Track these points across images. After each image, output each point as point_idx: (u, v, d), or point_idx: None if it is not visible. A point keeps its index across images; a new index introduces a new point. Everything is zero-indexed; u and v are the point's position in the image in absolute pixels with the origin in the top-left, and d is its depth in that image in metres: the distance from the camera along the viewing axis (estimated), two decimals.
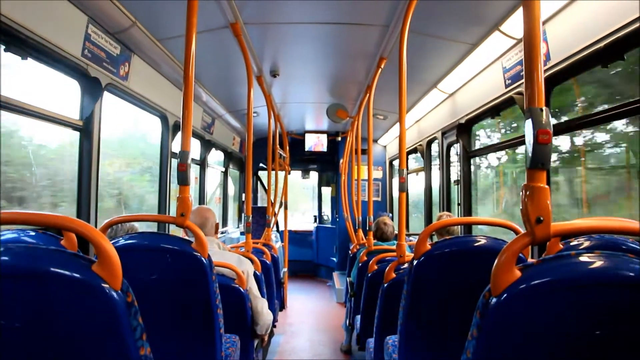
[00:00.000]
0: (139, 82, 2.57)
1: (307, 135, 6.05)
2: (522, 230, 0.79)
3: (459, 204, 3.34)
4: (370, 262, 2.26)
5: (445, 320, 1.36)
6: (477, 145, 3.36)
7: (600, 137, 2.25)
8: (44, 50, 1.77)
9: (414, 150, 4.61)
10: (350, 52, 3.06)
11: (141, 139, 3.66)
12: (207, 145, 4.38)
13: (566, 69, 1.97)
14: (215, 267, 1.48)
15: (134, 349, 0.77)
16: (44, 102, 1.90)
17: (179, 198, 1.45)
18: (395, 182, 5.94)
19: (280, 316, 4.25)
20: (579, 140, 2.34)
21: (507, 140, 2.86)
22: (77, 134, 2.17)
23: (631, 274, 0.67)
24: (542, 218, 0.76)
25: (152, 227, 3.16)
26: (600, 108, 2.04)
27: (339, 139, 6.17)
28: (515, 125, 3.04)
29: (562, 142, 2.43)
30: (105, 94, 2.27)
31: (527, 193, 0.78)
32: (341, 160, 5.81)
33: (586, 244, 1.39)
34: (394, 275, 1.79)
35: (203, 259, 1.35)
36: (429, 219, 4.24)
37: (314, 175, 7.42)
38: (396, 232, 2.79)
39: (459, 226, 2.81)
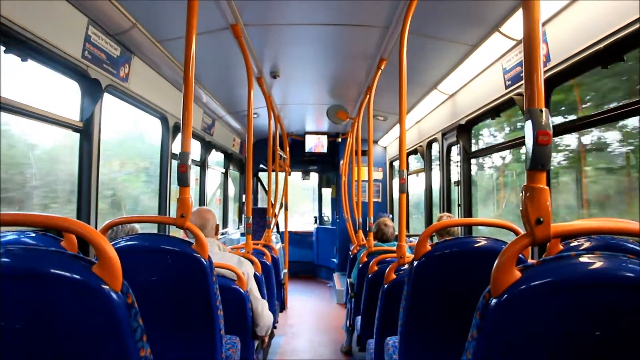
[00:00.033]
0: (139, 83, 2.57)
1: (307, 136, 6.06)
2: (522, 231, 0.79)
3: (459, 205, 3.34)
4: (371, 263, 2.26)
5: (446, 321, 1.36)
6: (481, 144, 3.36)
7: (612, 136, 2.20)
8: (44, 51, 1.77)
9: (414, 151, 4.61)
10: (351, 53, 3.06)
11: (138, 138, 3.65)
12: (208, 146, 4.38)
13: (566, 70, 1.97)
14: (216, 268, 1.48)
15: (134, 350, 0.77)
16: (45, 104, 1.90)
17: (179, 199, 1.45)
18: (396, 183, 5.93)
19: (280, 317, 4.25)
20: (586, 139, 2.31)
21: (507, 141, 2.86)
22: (68, 133, 2.16)
23: (631, 274, 0.67)
24: (542, 219, 0.76)
25: (152, 228, 3.16)
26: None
27: (339, 140, 6.18)
28: (520, 126, 3.00)
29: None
30: (106, 95, 2.27)
31: (527, 194, 0.78)
32: (341, 162, 5.81)
33: (586, 245, 1.38)
34: (394, 276, 1.80)
35: (203, 260, 1.35)
36: (429, 219, 4.24)
37: (314, 177, 7.42)
38: (396, 233, 2.79)
39: (459, 227, 2.81)
